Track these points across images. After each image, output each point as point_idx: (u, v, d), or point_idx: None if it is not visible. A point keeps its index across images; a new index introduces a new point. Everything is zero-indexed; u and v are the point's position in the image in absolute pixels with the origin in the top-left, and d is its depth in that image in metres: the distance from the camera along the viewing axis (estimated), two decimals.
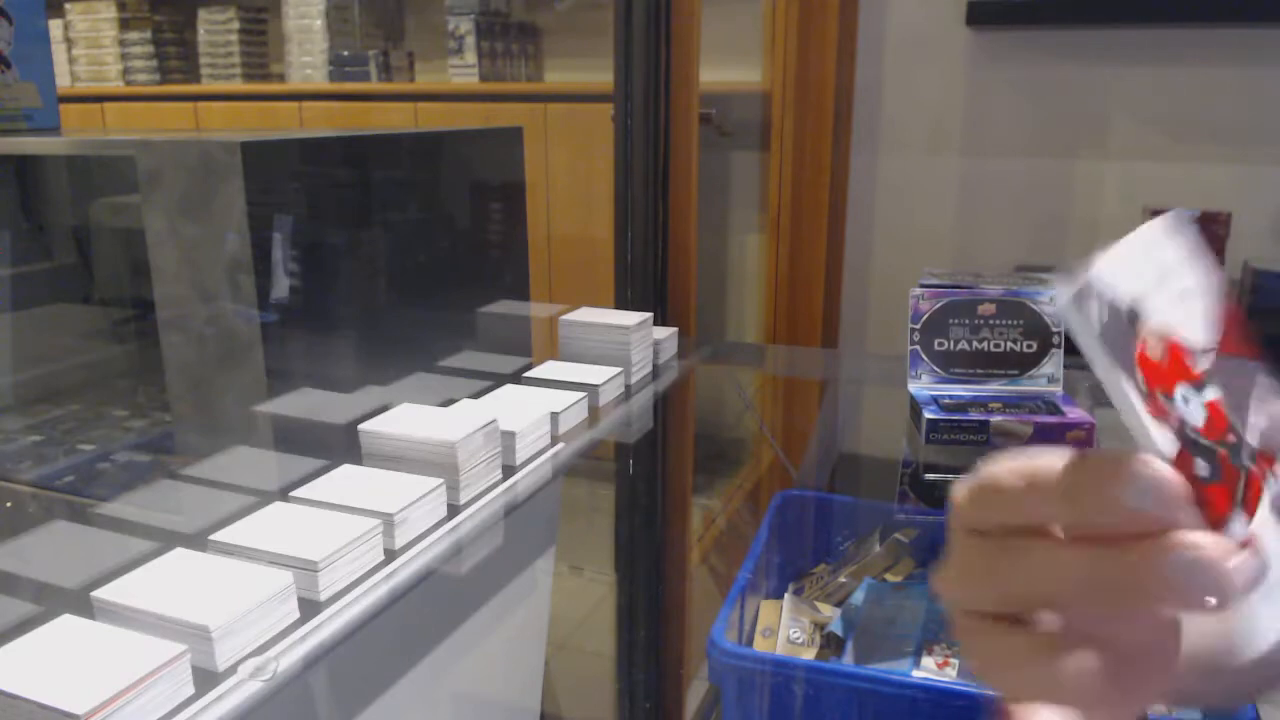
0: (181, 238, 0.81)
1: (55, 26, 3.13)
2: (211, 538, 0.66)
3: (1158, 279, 0.30)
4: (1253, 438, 0.29)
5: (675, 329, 1.25)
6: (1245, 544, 0.27)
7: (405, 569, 0.70)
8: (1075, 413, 1.04)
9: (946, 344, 1.12)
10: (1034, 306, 1.11)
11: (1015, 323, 1.11)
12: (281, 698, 0.57)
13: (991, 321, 1.11)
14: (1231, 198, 1.96)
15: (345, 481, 0.76)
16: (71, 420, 1.04)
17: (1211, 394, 0.29)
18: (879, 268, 2.38)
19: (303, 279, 0.84)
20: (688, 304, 1.43)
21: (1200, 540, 0.26)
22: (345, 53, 2.88)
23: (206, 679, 0.56)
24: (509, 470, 0.85)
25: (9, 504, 0.88)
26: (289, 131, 0.98)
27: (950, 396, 1.09)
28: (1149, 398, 0.29)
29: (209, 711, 0.54)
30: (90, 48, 3.18)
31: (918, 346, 1.13)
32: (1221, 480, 0.29)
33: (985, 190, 2.26)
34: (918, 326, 1.12)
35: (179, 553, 0.64)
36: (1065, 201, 2.20)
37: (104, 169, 1.16)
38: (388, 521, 0.70)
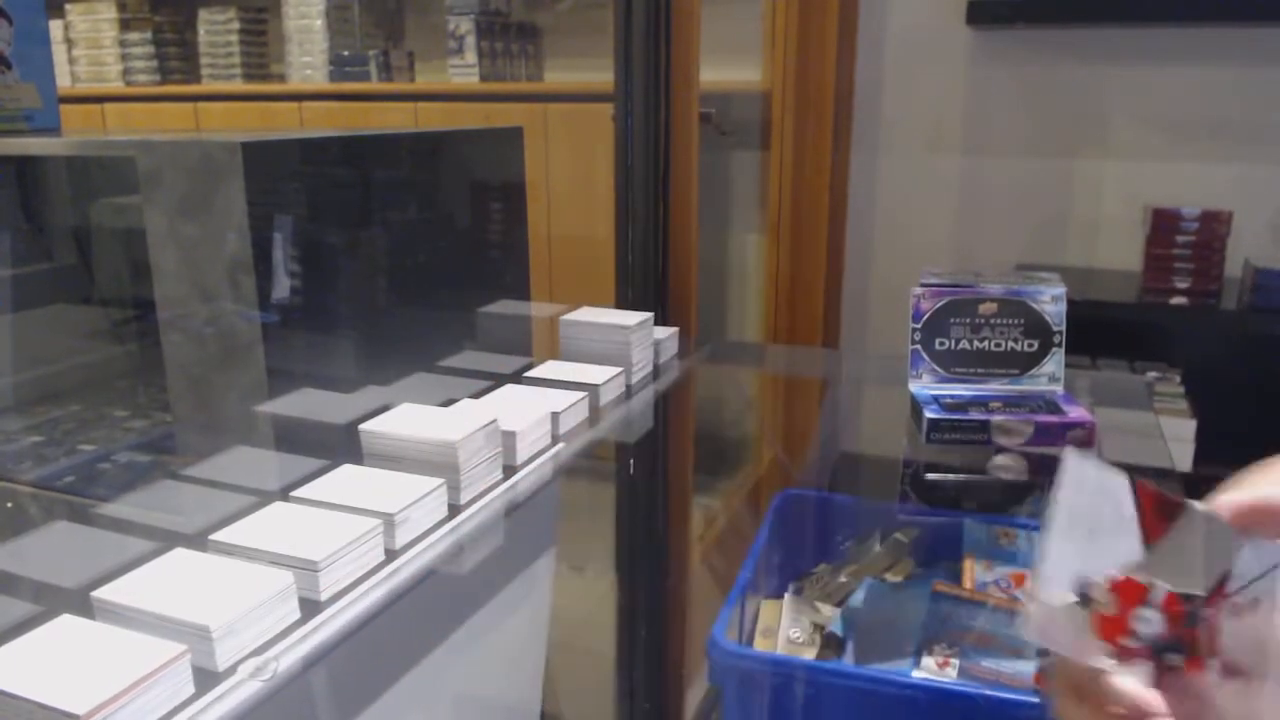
0: (182, 238, 0.81)
1: (55, 27, 3.13)
2: (212, 538, 0.66)
3: (1086, 546, 0.33)
4: (1198, 587, 0.32)
5: (676, 329, 1.25)
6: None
7: (406, 569, 0.69)
8: (1076, 412, 1.04)
9: (947, 343, 1.12)
10: (1035, 306, 1.11)
11: (1016, 322, 1.11)
12: (281, 698, 0.57)
13: (992, 321, 1.11)
14: (1232, 197, 1.96)
15: (346, 481, 0.76)
16: (72, 420, 1.04)
17: (1161, 592, 0.32)
18: (879, 267, 2.38)
19: (303, 279, 0.84)
20: (688, 304, 1.42)
21: None
22: (345, 53, 2.88)
23: (207, 679, 0.56)
24: (509, 470, 0.85)
25: (9, 504, 0.88)
26: (289, 131, 0.98)
27: (951, 396, 1.09)
28: (1116, 653, 0.32)
29: (209, 711, 0.54)
30: (90, 48, 3.18)
31: (918, 346, 1.13)
32: (1193, 649, 0.32)
33: (985, 190, 2.26)
34: (918, 326, 1.12)
35: (179, 553, 0.64)
36: (1065, 201, 2.19)
37: (104, 170, 1.16)
38: (388, 521, 0.70)
